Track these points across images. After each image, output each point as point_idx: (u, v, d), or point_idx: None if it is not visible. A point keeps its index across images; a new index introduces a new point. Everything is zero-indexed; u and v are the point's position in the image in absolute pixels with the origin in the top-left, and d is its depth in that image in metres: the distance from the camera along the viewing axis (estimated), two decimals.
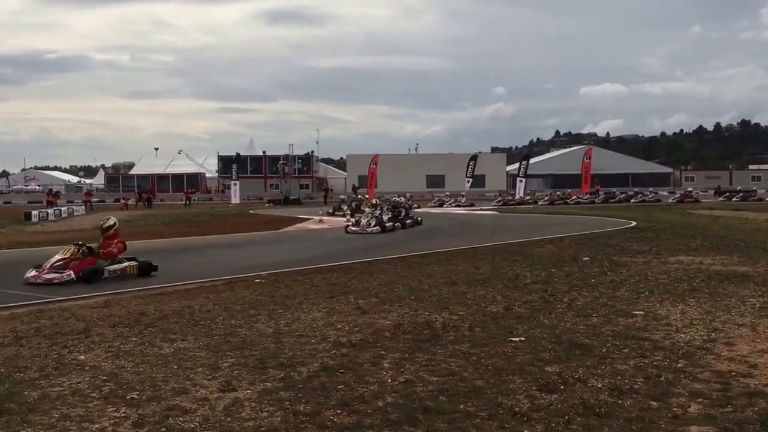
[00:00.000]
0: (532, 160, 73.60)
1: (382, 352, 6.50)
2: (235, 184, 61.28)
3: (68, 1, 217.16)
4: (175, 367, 6.02)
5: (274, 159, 72.50)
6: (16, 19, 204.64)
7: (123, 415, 4.78)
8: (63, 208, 40.73)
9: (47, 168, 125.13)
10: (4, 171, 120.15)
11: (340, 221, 29.10)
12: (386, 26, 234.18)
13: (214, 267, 13.92)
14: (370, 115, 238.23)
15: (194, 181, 77.94)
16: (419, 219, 27.78)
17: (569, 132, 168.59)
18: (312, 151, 79.86)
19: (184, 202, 55.36)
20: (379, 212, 25.46)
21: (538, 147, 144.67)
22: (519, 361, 6.07)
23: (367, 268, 13.14)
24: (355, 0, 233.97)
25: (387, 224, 24.02)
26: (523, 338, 6.95)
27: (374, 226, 23.34)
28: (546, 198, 54.48)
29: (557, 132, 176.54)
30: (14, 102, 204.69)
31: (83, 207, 45.20)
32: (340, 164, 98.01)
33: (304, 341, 6.99)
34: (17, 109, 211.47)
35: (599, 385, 5.32)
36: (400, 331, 7.36)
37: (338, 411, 4.82)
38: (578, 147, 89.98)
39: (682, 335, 7.08)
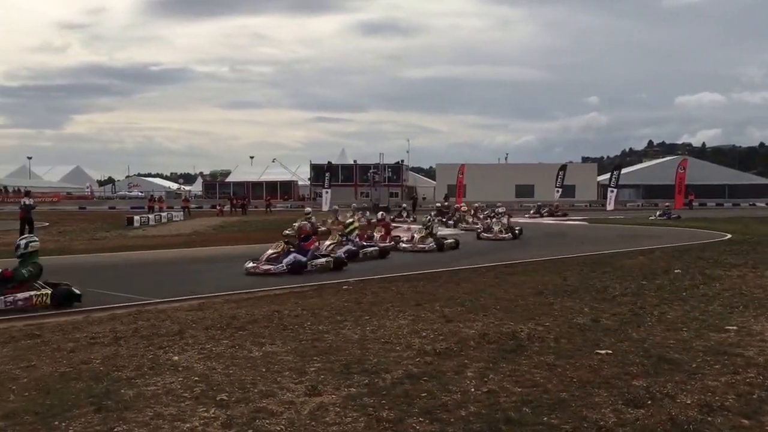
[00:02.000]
0: (624, 171, 71.80)
1: (466, 361, 6.49)
2: (326, 192, 62.26)
3: (172, 16, 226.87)
4: (264, 370, 6.18)
5: (365, 168, 73.47)
6: (125, 34, 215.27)
7: (212, 415, 4.94)
8: (163, 214, 42.27)
9: (149, 175, 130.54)
10: (110, 177, 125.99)
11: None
12: (479, 37, 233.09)
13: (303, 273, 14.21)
14: (461, 124, 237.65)
15: (287, 188, 79.88)
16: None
17: (663, 142, 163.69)
18: (402, 161, 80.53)
19: (265, 209, 56.46)
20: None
21: (630, 157, 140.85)
22: (605, 375, 5.95)
23: (453, 277, 13.13)
24: (449, 11, 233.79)
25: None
26: (610, 351, 6.81)
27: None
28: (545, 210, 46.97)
29: (650, 142, 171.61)
30: (121, 112, 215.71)
31: (182, 213, 46.82)
32: (430, 173, 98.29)
33: (389, 348, 7.05)
34: (124, 119, 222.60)
35: (688, 402, 5.16)
36: (484, 341, 7.33)
37: (421, 419, 4.84)
38: (672, 157, 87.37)
39: None
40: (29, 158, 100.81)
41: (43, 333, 7.83)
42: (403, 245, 19.94)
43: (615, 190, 56.21)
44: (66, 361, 6.52)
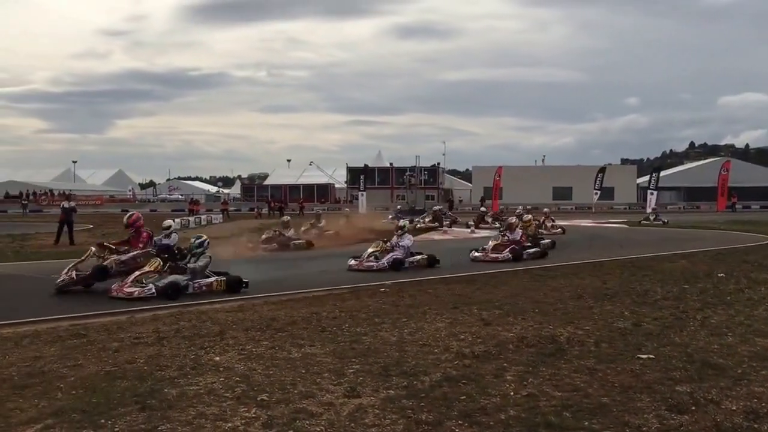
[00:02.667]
0: (664, 173, 70.76)
1: (505, 364, 6.47)
2: (362, 195, 62.41)
3: (211, 22, 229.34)
4: (303, 371, 6.23)
5: (401, 170, 73.50)
6: (164, 40, 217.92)
7: (254, 415, 5.00)
8: (202, 216, 42.79)
9: (189, 178, 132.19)
10: (151, 181, 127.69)
11: (463, 232, 29.11)
12: (515, 39, 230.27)
13: (340, 275, 14.29)
14: (497, 127, 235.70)
15: (324, 191, 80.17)
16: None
17: (705, 143, 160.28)
18: (438, 163, 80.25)
19: (299, 212, 56.38)
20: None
21: (671, 159, 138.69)
22: (647, 379, 5.88)
23: (490, 280, 13.07)
24: (485, 13, 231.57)
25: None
26: (652, 356, 6.73)
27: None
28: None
29: (692, 143, 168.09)
30: (161, 117, 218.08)
31: (221, 215, 47.31)
32: (466, 176, 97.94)
33: (427, 351, 7.06)
34: (164, 123, 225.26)
35: (734, 408, 5.08)
36: (523, 344, 7.30)
37: (460, 422, 4.85)
38: (714, 159, 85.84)
39: None
40: (74, 162, 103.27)
41: (88, 333, 8.00)
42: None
43: (655, 192, 55.29)
44: (111, 360, 6.65)
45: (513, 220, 19.96)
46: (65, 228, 23.58)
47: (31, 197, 69.28)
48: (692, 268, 14.56)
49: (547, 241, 21.17)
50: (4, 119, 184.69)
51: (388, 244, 15.91)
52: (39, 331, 8.11)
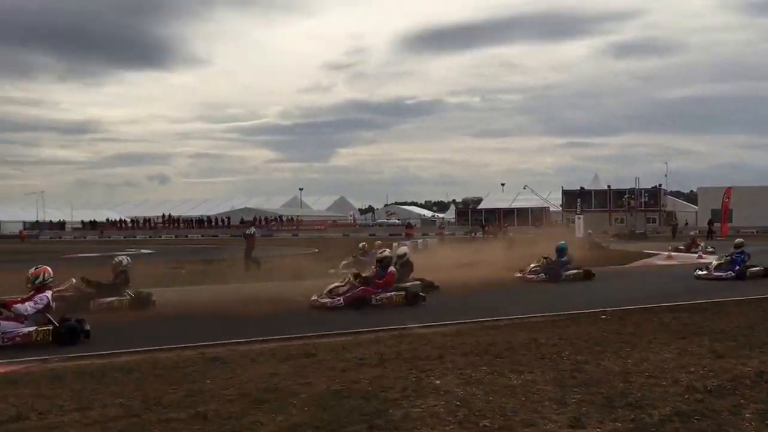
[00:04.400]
0: None
1: (743, 400, 6.00)
2: (578, 218, 60.80)
3: (425, 51, 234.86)
4: (523, 398, 6.18)
5: (620, 193, 70.87)
6: (383, 70, 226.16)
7: None
8: (419, 240, 44.00)
9: (405, 203, 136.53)
10: (370, 206, 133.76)
11: (691, 257, 27.31)
12: (743, 51, 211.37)
13: (558, 300, 14.08)
14: (724, 145, 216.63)
15: (539, 214, 79.19)
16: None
17: None
18: (659, 185, 76.27)
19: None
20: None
21: None
22: None
23: (721, 309, 12.11)
24: (709, 26, 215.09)
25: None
26: None
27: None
28: None
29: None
30: (380, 144, 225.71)
31: (436, 239, 48.40)
32: (691, 198, 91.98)
33: (654, 382, 6.72)
34: (382, 150, 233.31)
35: None
36: (762, 380, 6.73)
37: None
38: None
39: None
40: (300, 189, 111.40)
41: (318, 352, 8.53)
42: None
43: None
44: (338, 379, 7.03)
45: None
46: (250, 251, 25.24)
47: (262, 222, 75.05)
48: None
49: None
50: (240, 151, 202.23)
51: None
52: (273, 349, 8.78)
